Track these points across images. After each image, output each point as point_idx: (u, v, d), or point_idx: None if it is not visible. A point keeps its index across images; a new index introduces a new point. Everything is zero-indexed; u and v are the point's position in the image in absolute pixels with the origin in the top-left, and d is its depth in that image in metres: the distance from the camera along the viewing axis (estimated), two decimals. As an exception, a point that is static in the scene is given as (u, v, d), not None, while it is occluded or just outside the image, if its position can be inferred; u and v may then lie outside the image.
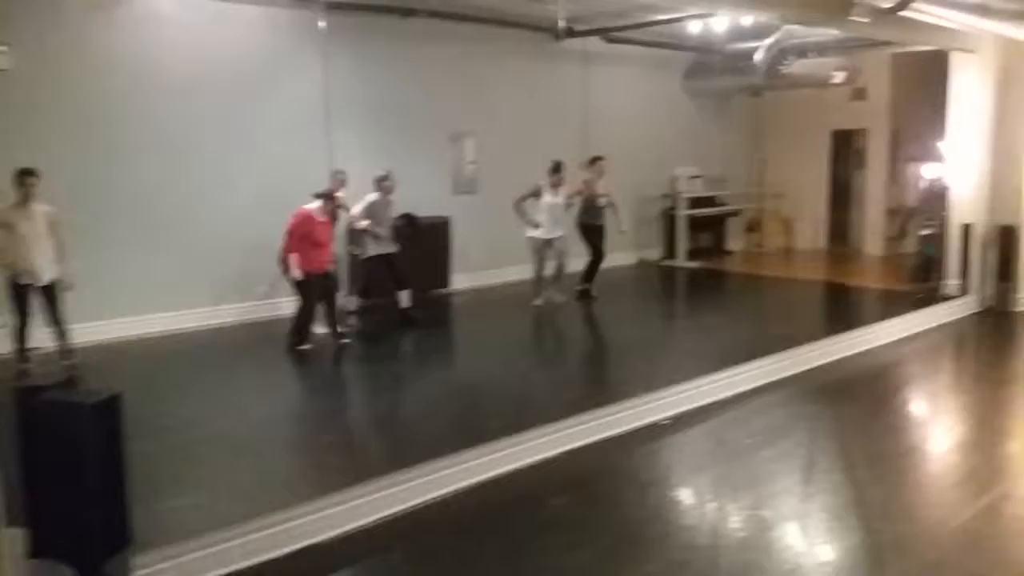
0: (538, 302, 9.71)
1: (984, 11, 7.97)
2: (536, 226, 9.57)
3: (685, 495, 5.21)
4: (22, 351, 6.92)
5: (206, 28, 8.74)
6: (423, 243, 9.90)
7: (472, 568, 4.27)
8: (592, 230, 10.16)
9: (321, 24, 8.38)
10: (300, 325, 7.96)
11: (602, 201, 10.05)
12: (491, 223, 10.42)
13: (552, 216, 9.59)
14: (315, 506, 4.44)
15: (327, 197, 7.98)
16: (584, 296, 10.18)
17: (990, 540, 4.61)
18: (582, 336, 9.34)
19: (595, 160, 10.04)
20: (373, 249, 8.88)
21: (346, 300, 9.03)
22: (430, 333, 9.20)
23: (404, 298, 9.01)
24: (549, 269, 9.76)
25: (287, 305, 8.73)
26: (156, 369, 7.60)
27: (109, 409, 3.19)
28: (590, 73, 11.87)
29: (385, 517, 4.68)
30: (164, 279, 8.55)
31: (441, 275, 10.37)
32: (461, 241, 10.36)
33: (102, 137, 8.07)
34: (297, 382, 7.59)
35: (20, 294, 6.84)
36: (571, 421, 5.73)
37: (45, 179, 6.80)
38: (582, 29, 10.92)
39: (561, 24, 10.12)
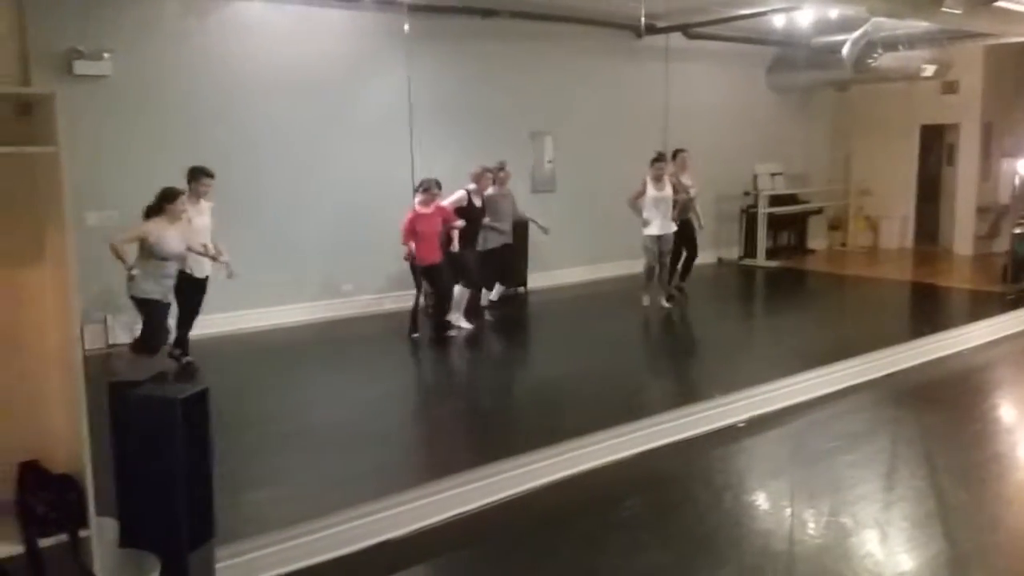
0: (645, 302, 9.49)
1: (1083, 0, 7.66)
2: (646, 223, 9.22)
3: (761, 499, 5.16)
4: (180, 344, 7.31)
5: (293, 33, 8.96)
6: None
7: (546, 566, 4.33)
8: (683, 226, 9.81)
9: (406, 27, 8.52)
10: (413, 314, 8.35)
11: (685, 195, 9.71)
12: (568, 222, 10.46)
13: (660, 211, 9.21)
14: (393, 501, 4.55)
15: (425, 189, 8.12)
16: (679, 294, 10.03)
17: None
18: (661, 337, 9.26)
19: (677, 153, 9.81)
20: (494, 241, 9.11)
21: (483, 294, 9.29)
22: (512, 331, 9.34)
23: (496, 292, 9.25)
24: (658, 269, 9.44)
25: (373, 302, 9.00)
26: (254, 364, 7.82)
27: (198, 403, 3.32)
28: (671, 70, 11.76)
29: (463, 513, 4.77)
30: (256, 279, 8.80)
31: (519, 273, 10.44)
32: (538, 239, 10.40)
33: (193, 142, 8.32)
34: (387, 376, 7.68)
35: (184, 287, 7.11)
36: (647, 422, 5.74)
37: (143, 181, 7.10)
38: (664, 25, 10.84)
39: (642, 21, 10.06)
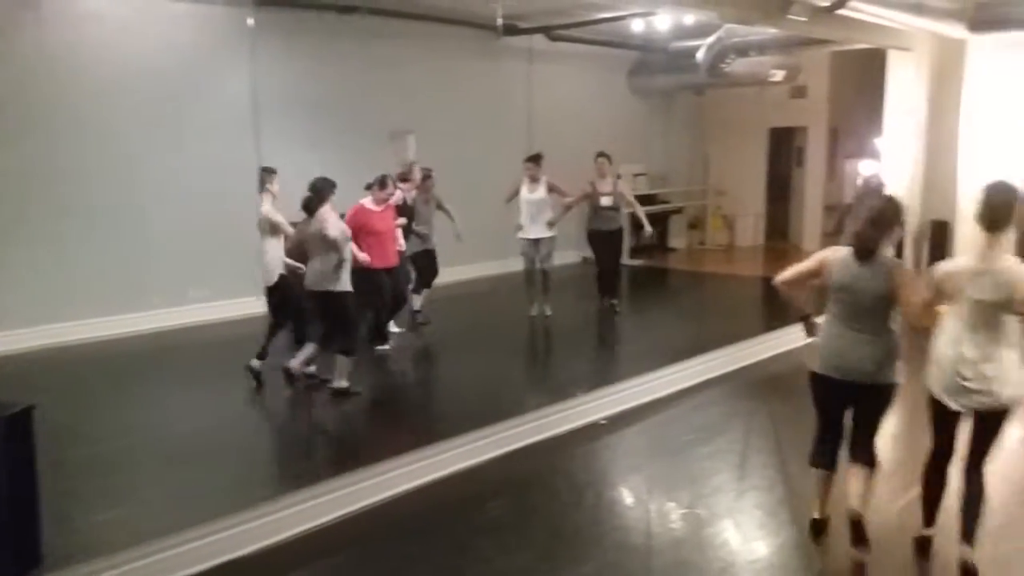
0: (532, 312, 9.14)
1: (919, 9, 8.14)
2: (519, 227, 8.90)
3: (621, 495, 5.22)
4: None
5: (133, 25, 8.54)
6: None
7: (414, 571, 4.24)
8: (595, 237, 9.37)
9: (249, 21, 8.23)
10: (375, 324, 7.83)
11: (605, 202, 9.12)
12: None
13: (530, 213, 8.81)
14: (241, 518, 4.35)
15: (382, 186, 7.58)
16: (612, 311, 9.39)
17: (914, 531, 4.69)
18: (527, 337, 9.25)
19: (598, 156, 9.15)
20: (416, 246, 8.73)
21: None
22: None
23: (418, 301, 8.95)
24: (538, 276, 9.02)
25: (224, 308, 8.63)
26: (88, 377, 7.42)
27: (21, 422, 3.07)
28: (534, 71, 11.87)
29: (317, 526, 4.61)
30: (89, 283, 8.33)
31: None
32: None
33: (26, 135, 7.82)
34: (236, 388, 7.40)
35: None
36: (509, 423, 5.73)
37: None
38: (525, 27, 10.89)
39: (499, 22, 10.06)
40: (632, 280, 12.46)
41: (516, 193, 8.96)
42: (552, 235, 8.94)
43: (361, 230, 7.10)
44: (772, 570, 4.26)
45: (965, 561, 3.97)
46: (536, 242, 8.89)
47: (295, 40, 9.48)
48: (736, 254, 14.30)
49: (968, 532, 3.99)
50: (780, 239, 14.90)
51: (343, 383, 6.44)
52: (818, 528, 4.53)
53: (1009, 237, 3.96)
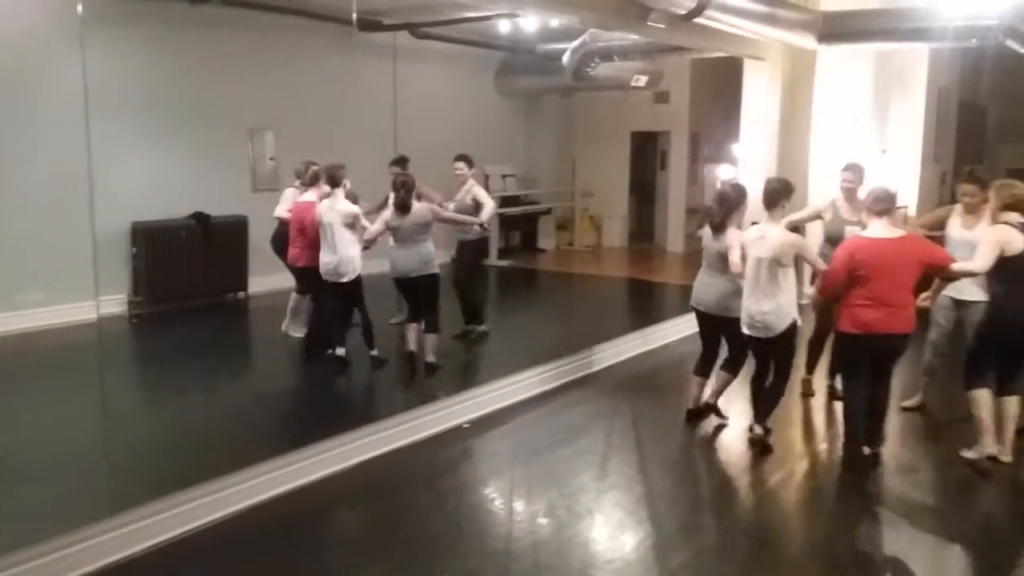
0: (394, 320, 8.48)
1: (772, 20, 8.41)
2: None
3: (481, 500, 5.13)
4: None
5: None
6: (216, 243, 9.43)
7: (251, 594, 4.01)
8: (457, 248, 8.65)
9: (79, 8, 7.68)
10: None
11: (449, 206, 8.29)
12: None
13: None
14: (63, 541, 4.00)
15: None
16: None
17: (770, 526, 4.82)
18: (383, 343, 9.00)
19: (458, 159, 8.46)
20: None
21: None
22: (228, 342, 8.74)
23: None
24: None
25: (59, 313, 8.06)
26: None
27: None
28: (399, 69, 11.66)
29: (153, 547, 4.31)
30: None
31: (236, 278, 9.85)
32: (260, 241, 9.86)
33: None
34: (69, 399, 6.89)
35: None
36: (367, 429, 5.53)
37: None
38: (389, 23, 10.67)
39: (355, 16, 9.78)
40: (501, 281, 12.46)
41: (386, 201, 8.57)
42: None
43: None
44: (630, 569, 4.26)
45: (756, 435, 5.79)
46: None
47: (138, 30, 8.93)
48: (603, 255, 14.52)
49: (762, 415, 5.82)
50: (645, 241, 15.24)
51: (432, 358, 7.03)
52: (690, 416, 6.30)
53: (783, 213, 5.55)
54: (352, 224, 6.94)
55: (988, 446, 5.35)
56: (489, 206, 8.09)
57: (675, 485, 5.39)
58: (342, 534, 4.63)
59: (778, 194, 5.49)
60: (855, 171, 6.43)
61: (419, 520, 4.75)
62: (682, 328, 8.96)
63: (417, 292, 6.99)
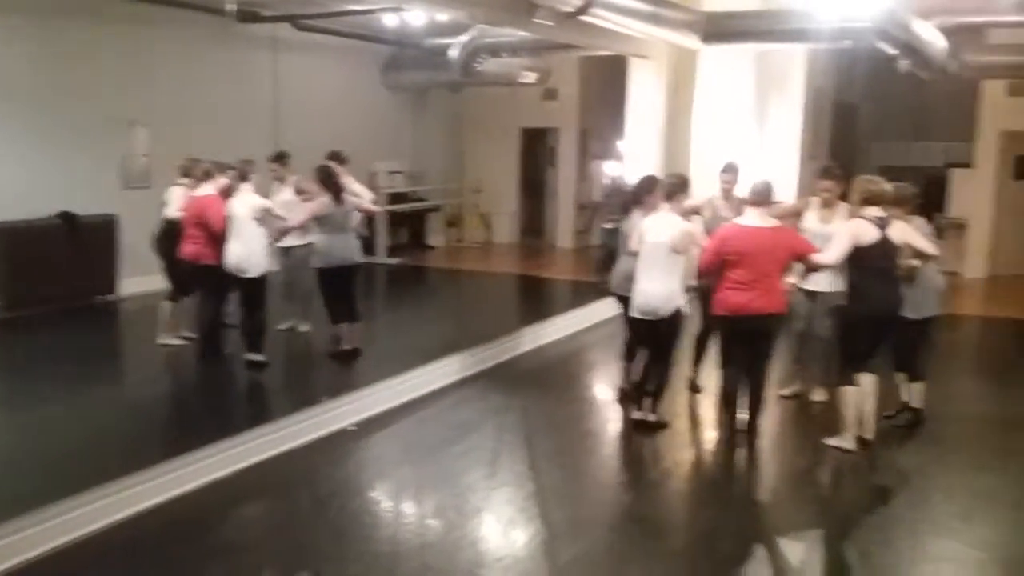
0: (282, 326, 8.09)
1: (656, 19, 8.52)
2: None
3: (369, 503, 4.99)
4: None
5: None
6: (83, 243, 8.93)
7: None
8: None
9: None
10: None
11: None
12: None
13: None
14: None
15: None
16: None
17: (658, 516, 4.86)
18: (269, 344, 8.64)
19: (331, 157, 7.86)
20: None
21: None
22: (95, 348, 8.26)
23: None
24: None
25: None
26: None
27: None
28: (281, 62, 11.32)
29: (33, 558, 4.03)
30: None
31: (105, 279, 9.35)
32: (132, 241, 9.39)
33: None
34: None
35: None
36: (245, 436, 5.29)
37: None
38: (269, 15, 10.32)
39: (230, 7, 9.40)
40: (389, 279, 12.26)
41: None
42: (304, 243, 7.69)
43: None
44: (520, 566, 4.22)
45: (642, 419, 5.95)
46: (287, 250, 7.92)
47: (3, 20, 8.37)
48: (494, 251, 14.48)
49: (649, 401, 5.97)
50: (536, 237, 15.28)
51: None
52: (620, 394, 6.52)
53: (681, 203, 5.84)
54: (261, 218, 6.80)
55: (850, 440, 5.53)
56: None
57: (566, 480, 5.38)
58: (224, 543, 4.41)
59: (676, 188, 5.84)
60: (733, 172, 6.63)
61: (302, 526, 4.58)
62: (573, 323, 9.03)
63: (346, 281, 7.11)
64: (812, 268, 5.72)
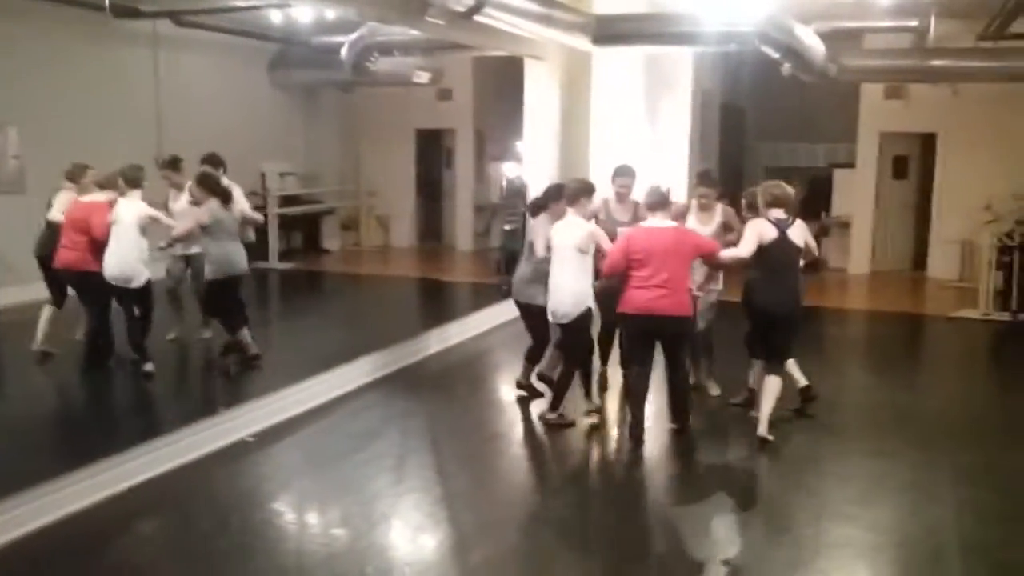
0: (170, 336, 7.64)
1: (548, 21, 8.54)
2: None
3: (269, 515, 4.78)
4: None
5: None
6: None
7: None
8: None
9: None
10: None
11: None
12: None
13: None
14: None
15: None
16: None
17: (567, 516, 4.84)
18: (162, 352, 8.21)
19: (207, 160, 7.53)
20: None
21: None
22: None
23: None
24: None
25: None
26: None
27: None
28: (162, 60, 10.84)
29: None
30: None
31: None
32: (5, 248, 8.80)
33: None
34: None
35: None
36: (139, 450, 5.00)
37: None
38: (147, 10, 9.85)
39: (107, 1, 8.94)
40: (283, 285, 11.93)
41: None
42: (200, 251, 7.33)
43: None
44: (430, 570, 4.16)
45: (548, 419, 6.02)
46: (185, 258, 7.55)
47: None
48: (392, 255, 14.28)
49: (555, 401, 6.02)
50: (434, 239, 15.14)
51: None
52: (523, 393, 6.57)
53: (585, 209, 5.88)
54: (145, 227, 6.57)
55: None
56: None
57: (473, 483, 5.32)
58: (115, 565, 4.15)
59: (579, 192, 5.92)
60: (630, 176, 6.65)
61: (200, 542, 4.37)
62: (473, 325, 8.95)
63: (238, 289, 6.98)
64: (717, 265, 5.89)
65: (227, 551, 4.27)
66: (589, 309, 5.83)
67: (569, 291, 5.73)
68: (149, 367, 6.66)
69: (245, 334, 6.99)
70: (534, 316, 6.23)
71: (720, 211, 6.32)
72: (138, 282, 6.56)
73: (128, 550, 4.37)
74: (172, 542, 4.42)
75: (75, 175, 6.95)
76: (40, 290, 7.25)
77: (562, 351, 6.06)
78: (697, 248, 5.62)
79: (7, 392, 7.06)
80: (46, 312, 7.12)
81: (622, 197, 6.56)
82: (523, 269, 6.29)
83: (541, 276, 6.01)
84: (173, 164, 7.65)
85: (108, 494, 4.70)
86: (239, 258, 6.85)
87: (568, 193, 5.96)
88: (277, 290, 11.74)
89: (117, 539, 4.44)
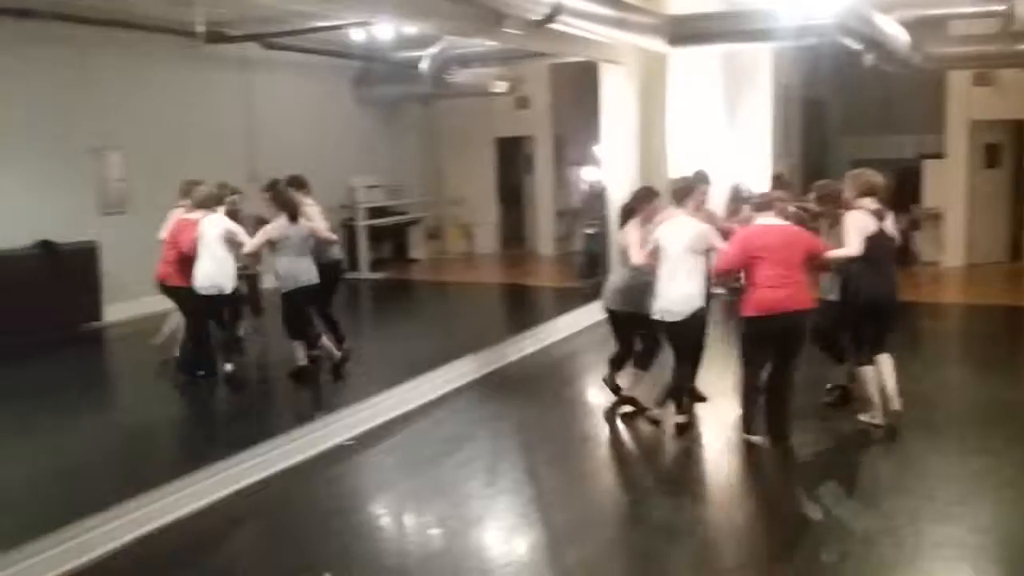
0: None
1: (623, 24, 8.57)
2: None
3: (370, 517, 4.98)
4: None
5: None
6: (65, 271, 8.89)
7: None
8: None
9: None
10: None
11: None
12: (148, 245, 9.44)
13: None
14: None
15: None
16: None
17: (656, 520, 4.87)
18: (261, 362, 8.63)
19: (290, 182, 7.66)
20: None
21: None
22: (86, 374, 8.17)
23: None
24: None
25: None
26: None
27: None
28: (252, 81, 11.28)
29: None
30: None
31: (90, 307, 9.28)
32: (113, 267, 9.31)
33: None
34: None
35: None
36: (244, 455, 5.25)
37: None
38: (236, 35, 10.28)
39: (200, 29, 9.37)
40: (374, 294, 12.25)
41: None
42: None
43: None
44: (525, 570, 4.23)
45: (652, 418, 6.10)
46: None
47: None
48: (476, 262, 14.50)
49: (665, 399, 6.03)
50: (517, 245, 15.31)
51: None
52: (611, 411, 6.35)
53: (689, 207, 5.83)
54: (232, 240, 6.90)
55: (879, 416, 5.72)
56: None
57: (565, 484, 5.39)
58: (226, 564, 4.39)
59: (686, 189, 5.90)
60: (708, 183, 6.69)
61: (304, 542, 4.55)
62: (558, 329, 9.05)
63: (308, 299, 7.11)
64: (822, 266, 5.73)
65: (332, 551, 4.44)
66: (702, 308, 5.76)
67: (680, 292, 5.61)
68: (229, 368, 7.02)
69: (323, 344, 7.24)
70: (625, 323, 6.15)
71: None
72: (224, 291, 6.89)
73: (236, 551, 4.60)
74: (280, 542, 4.62)
75: (186, 192, 7.28)
76: (147, 306, 7.65)
77: (676, 351, 5.89)
78: (810, 247, 5.50)
79: (118, 401, 7.49)
80: (174, 318, 7.53)
81: (700, 205, 6.46)
82: (616, 276, 6.18)
83: (635, 284, 5.92)
84: (271, 187, 7.90)
85: (218, 497, 4.96)
86: (303, 272, 6.98)
87: (675, 191, 5.90)
88: (369, 299, 12.07)
89: (226, 541, 4.67)
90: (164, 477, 4.89)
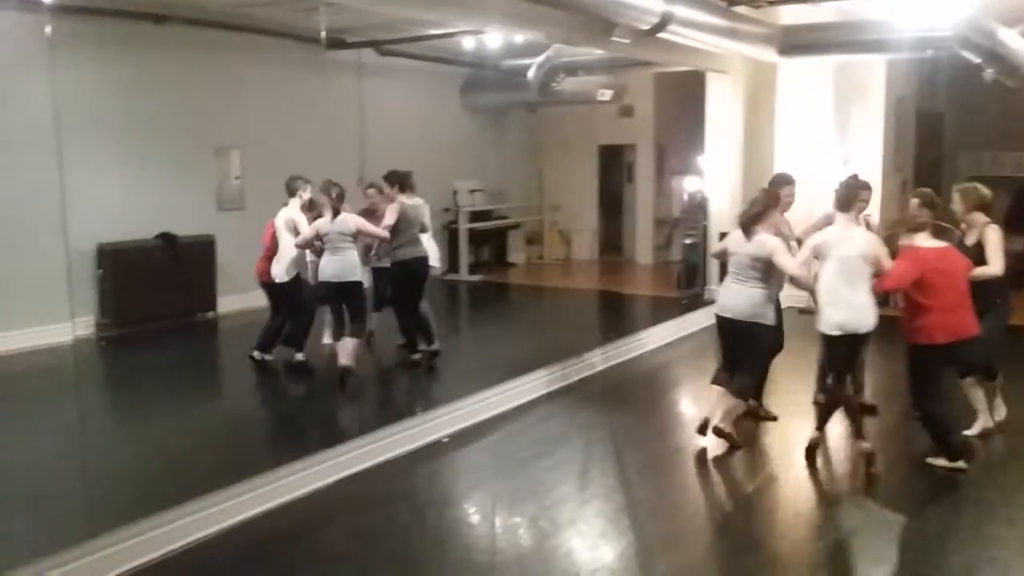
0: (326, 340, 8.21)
1: (732, 34, 8.54)
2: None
3: (463, 513, 5.12)
4: None
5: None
6: (183, 263, 9.40)
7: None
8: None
9: (48, 29, 7.61)
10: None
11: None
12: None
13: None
14: (51, 563, 3.93)
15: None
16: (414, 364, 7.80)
17: (747, 534, 4.85)
18: (364, 356, 8.92)
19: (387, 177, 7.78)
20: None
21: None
22: (197, 362, 8.63)
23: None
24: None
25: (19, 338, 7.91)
26: None
27: None
28: (365, 86, 11.66)
29: (153, 560, 4.28)
30: None
31: (206, 298, 9.79)
32: (227, 260, 9.80)
33: None
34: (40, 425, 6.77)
35: None
36: (345, 447, 5.49)
37: None
38: (353, 40, 10.68)
39: (323, 34, 9.78)
40: (472, 296, 12.47)
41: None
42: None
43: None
44: (613, 577, 4.28)
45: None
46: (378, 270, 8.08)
47: (104, 50, 8.85)
48: (573, 268, 14.59)
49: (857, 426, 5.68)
50: (615, 253, 15.33)
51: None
52: (702, 428, 5.96)
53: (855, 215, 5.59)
54: (293, 230, 7.29)
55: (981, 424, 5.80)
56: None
57: (655, 493, 5.41)
58: (324, 553, 4.57)
59: (852, 196, 5.55)
60: (793, 183, 6.58)
61: (400, 535, 4.72)
62: (654, 338, 9.05)
63: (345, 298, 7.27)
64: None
65: (424, 545, 4.60)
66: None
67: (870, 303, 5.32)
68: (300, 357, 7.60)
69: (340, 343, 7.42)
70: (745, 336, 5.76)
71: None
72: (281, 279, 7.34)
73: (332, 541, 4.78)
74: (376, 532, 4.79)
75: (288, 187, 7.55)
76: (257, 299, 8.05)
77: (850, 366, 5.71)
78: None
79: (232, 390, 7.87)
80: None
81: (787, 208, 6.37)
82: (752, 289, 5.66)
83: (773, 296, 5.73)
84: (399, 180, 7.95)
85: (319, 486, 5.21)
86: (340, 268, 7.08)
87: (839, 198, 5.52)
88: (467, 301, 12.30)
89: (322, 531, 4.86)
90: (270, 463, 5.14)
